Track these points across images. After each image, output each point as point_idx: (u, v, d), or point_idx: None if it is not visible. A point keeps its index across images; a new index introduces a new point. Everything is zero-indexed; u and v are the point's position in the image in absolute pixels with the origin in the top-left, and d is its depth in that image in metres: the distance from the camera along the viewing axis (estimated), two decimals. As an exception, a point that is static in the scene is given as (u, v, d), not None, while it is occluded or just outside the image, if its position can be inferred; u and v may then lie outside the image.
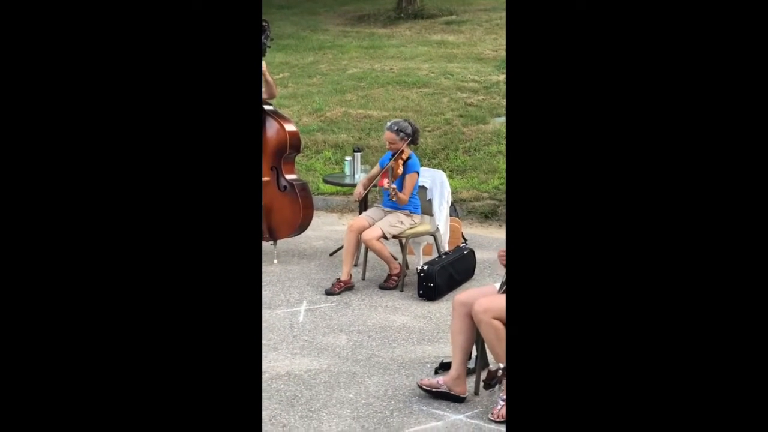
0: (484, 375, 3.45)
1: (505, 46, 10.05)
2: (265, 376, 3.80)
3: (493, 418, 3.36)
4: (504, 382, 3.17)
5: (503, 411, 3.34)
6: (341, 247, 5.30)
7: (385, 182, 4.96)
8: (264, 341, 4.24)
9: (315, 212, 5.85)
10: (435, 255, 5.28)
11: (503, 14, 13.52)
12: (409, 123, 5.19)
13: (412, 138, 5.13)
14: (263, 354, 4.06)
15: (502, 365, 2.62)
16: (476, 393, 3.60)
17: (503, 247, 4.38)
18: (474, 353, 3.65)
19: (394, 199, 4.99)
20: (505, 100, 9.18)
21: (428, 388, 3.55)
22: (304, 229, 5.69)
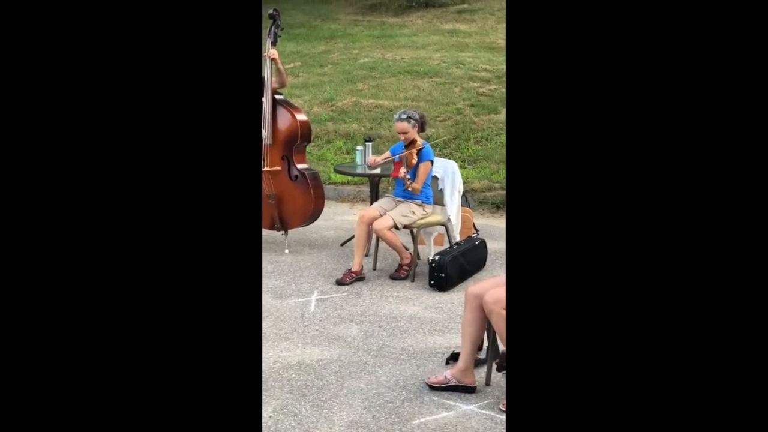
0: (498, 358, 3.46)
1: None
2: (276, 366, 3.82)
3: (504, 409, 3.36)
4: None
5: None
6: (352, 237, 5.31)
7: (401, 171, 4.98)
8: (275, 331, 4.27)
9: (326, 202, 5.86)
10: (446, 245, 5.28)
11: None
12: (415, 111, 5.22)
13: (421, 124, 5.13)
14: (275, 344, 4.10)
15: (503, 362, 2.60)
16: (487, 383, 3.60)
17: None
18: (485, 344, 3.65)
19: (409, 189, 4.99)
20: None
21: (437, 386, 3.56)
22: (315, 219, 5.70)
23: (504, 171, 7.30)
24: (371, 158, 5.48)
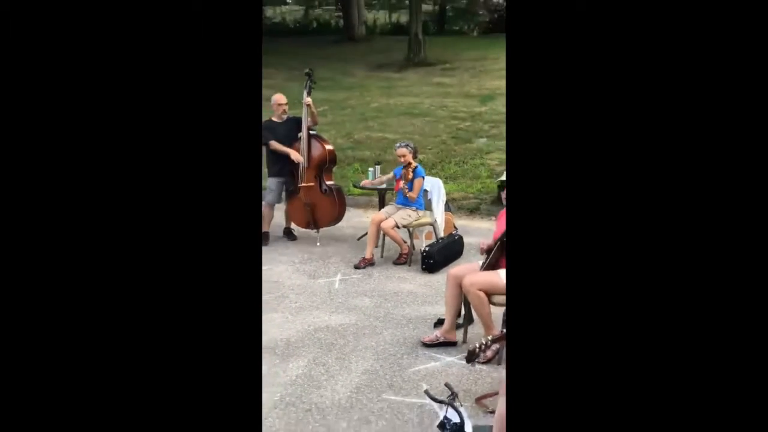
0: (465, 353, 3.43)
1: (486, 86, 9.96)
2: (309, 329, 3.81)
3: (478, 360, 3.34)
4: (487, 352, 3.10)
5: (485, 355, 3.33)
6: (365, 234, 5.29)
7: (401, 184, 5.05)
8: (309, 302, 4.25)
9: (347, 208, 5.83)
10: (434, 239, 5.26)
11: (484, 62, 13.44)
12: (410, 142, 5.29)
13: (414, 152, 5.16)
14: (309, 312, 4.07)
15: (477, 344, 2.50)
16: (464, 341, 3.58)
17: (484, 235, 4.35)
18: (463, 312, 3.63)
19: (407, 196, 5.01)
20: (485, 125, 9.15)
21: (429, 343, 3.54)
22: (339, 221, 5.68)
23: (476, 185, 7.26)
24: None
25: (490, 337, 2.45)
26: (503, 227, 3.35)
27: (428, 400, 2.64)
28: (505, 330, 2.39)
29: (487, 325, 3.34)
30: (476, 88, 11.56)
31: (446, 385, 2.19)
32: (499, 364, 3.30)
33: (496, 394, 2.38)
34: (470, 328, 3.63)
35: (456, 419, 1.94)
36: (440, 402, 2.04)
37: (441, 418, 1.99)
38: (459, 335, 3.60)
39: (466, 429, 1.93)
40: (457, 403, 1.99)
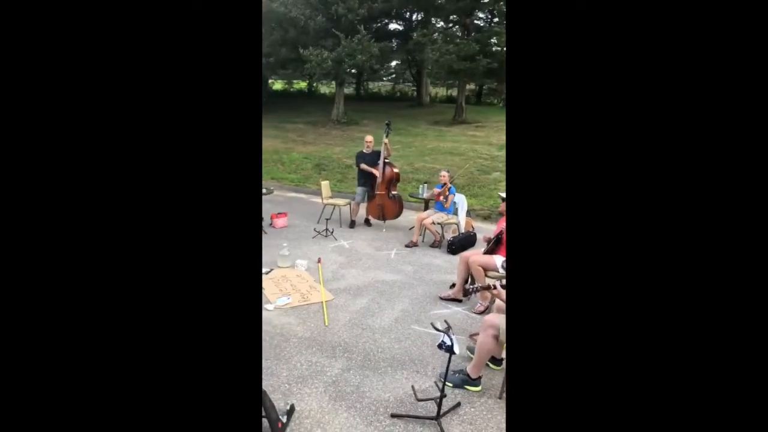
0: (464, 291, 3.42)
1: (503, 139, 9.59)
2: (372, 280, 3.88)
3: (474, 311, 3.31)
4: (477, 294, 3.08)
5: (479, 308, 3.29)
6: (414, 226, 5.31)
7: (440, 197, 5.03)
8: (374, 265, 4.31)
9: (404, 209, 5.87)
10: (457, 233, 5.20)
11: (503, 123, 13.03)
12: (449, 169, 5.23)
13: (451, 177, 5.10)
14: (373, 271, 4.12)
15: (470, 286, 2.48)
16: (466, 296, 3.54)
17: (489, 233, 4.24)
18: (469, 281, 3.60)
19: (444, 204, 4.99)
20: (500, 164, 8.89)
21: (444, 297, 3.53)
22: (399, 216, 5.71)
23: (489, 201, 7.09)
24: (427, 193, 5.52)
25: (478, 285, 2.48)
26: (500, 228, 3.32)
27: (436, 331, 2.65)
28: (490, 283, 2.38)
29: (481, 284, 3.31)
30: (496, 140, 11.24)
31: (445, 321, 2.21)
32: (487, 314, 3.25)
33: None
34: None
35: (449, 343, 1.95)
36: (440, 331, 2.05)
37: (440, 341, 2.01)
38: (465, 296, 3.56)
39: (454, 349, 1.94)
40: (451, 333, 2.00)
